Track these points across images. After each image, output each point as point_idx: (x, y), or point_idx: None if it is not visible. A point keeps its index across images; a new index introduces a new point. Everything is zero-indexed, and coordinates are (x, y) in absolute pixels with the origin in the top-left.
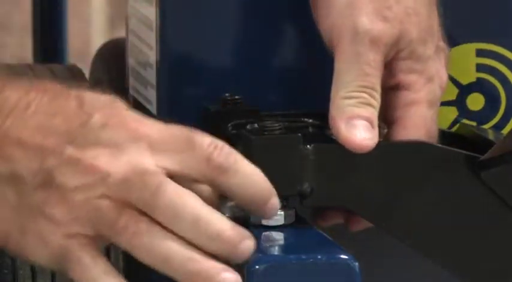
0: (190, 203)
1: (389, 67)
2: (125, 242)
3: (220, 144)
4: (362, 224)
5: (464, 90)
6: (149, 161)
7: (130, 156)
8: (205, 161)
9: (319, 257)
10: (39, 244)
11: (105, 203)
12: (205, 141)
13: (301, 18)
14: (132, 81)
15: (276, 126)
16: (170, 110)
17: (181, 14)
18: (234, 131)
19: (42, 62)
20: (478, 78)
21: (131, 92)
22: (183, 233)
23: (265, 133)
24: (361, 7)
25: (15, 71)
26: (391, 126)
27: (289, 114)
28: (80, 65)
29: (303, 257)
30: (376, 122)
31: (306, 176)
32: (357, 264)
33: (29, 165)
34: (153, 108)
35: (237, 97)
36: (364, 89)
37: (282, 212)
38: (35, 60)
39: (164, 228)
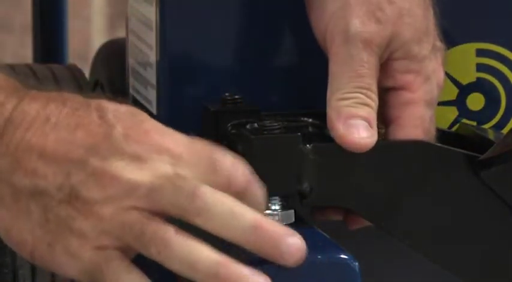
0: (226, 200)
1: (385, 68)
2: (153, 252)
3: (242, 165)
4: (361, 223)
5: (464, 90)
6: (173, 171)
7: (155, 167)
8: (227, 182)
9: (319, 257)
10: (68, 258)
11: (132, 215)
12: (227, 161)
13: (301, 18)
14: (132, 81)
15: (275, 125)
16: (170, 110)
17: (181, 14)
18: (234, 131)
19: (42, 62)
20: (478, 78)
21: (131, 92)
22: (220, 230)
23: (265, 133)
24: (353, 10)
25: (15, 71)
26: (389, 126)
27: (289, 113)
28: (80, 65)
29: None
30: (374, 121)
31: (306, 175)
32: (357, 264)
33: (52, 179)
34: (153, 108)
35: (237, 97)
36: (360, 90)
37: (288, 211)
38: (35, 60)
39: (196, 230)
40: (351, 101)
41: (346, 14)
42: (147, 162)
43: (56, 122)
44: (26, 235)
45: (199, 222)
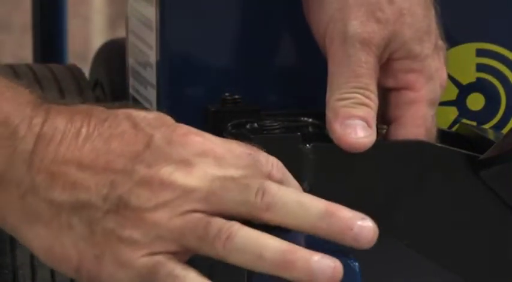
0: (292, 192)
1: (387, 68)
2: (218, 247)
3: (274, 159)
4: None
5: (464, 90)
6: (222, 173)
7: (204, 170)
8: (267, 177)
9: None
10: (118, 268)
11: (193, 217)
12: (264, 157)
13: (301, 18)
14: (132, 81)
15: (275, 125)
16: (170, 110)
17: (181, 14)
18: (234, 131)
19: (42, 62)
20: (478, 78)
21: (131, 92)
22: (291, 221)
23: (265, 132)
24: (351, 11)
25: (15, 71)
26: (391, 125)
27: (289, 113)
28: (80, 65)
29: None
30: (372, 121)
31: (305, 175)
32: (357, 264)
33: (96, 191)
34: (153, 108)
35: (237, 97)
36: (357, 90)
37: None
38: (35, 60)
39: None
40: (349, 101)
41: (345, 16)
42: (194, 166)
43: (87, 134)
44: (70, 250)
45: (269, 216)
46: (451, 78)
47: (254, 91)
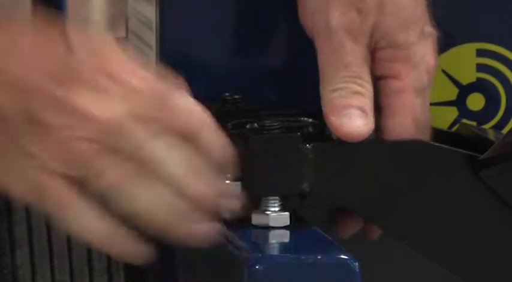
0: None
1: (373, 57)
2: (105, 186)
3: (197, 107)
4: (379, 232)
5: (464, 90)
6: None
7: (116, 102)
8: (176, 131)
9: (319, 257)
10: (18, 179)
11: (84, 145)
12: (181, 103)
13: None
14: None
15: (275, 125)
16: None
17: (181, 14)
18: (234, 131)
19: None
20: (478, 78)
21: None
22: (176, 168)
23: (265, 132)
24: (333, 2)
25: None
26: (380, 115)
27: (289, 113)
28: None
29: (303, 257)
30: (369, 108)
31: (306, 175)
32: (357, 264)
33: (11, 104)
34: None
35: (237, 97)
36: (349, 79)
37: (286, 213)
38: None
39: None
40: (342, 91)
41: (327, 8)
42: (105, 95)
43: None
44: None
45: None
46: (451, 78)
47: (254, 91)
